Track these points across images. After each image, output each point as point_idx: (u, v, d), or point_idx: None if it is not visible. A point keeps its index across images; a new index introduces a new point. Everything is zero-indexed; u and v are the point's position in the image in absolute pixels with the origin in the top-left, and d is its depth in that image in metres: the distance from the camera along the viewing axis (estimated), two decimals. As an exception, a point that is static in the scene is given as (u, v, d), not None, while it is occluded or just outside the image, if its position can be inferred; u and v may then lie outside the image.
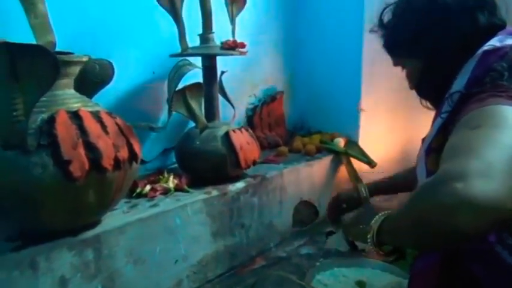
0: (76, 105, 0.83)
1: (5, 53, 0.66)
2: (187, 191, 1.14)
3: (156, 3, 1.14)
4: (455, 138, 0.62)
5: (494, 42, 0.73)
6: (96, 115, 0.83)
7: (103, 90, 1.02)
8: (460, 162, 0.53)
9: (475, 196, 0.47)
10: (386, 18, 0.90)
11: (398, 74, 0.95)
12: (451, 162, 0.55)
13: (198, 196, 1.11)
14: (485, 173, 0.49)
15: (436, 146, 0.75)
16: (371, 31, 0.94)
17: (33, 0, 0.81)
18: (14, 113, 0.69)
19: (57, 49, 0.85)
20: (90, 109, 0.84)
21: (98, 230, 0.89)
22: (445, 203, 0.49)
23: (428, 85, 0.86)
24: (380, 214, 0.71)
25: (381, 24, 0.91)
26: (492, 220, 0.48)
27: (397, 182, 1.19)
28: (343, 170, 1.64)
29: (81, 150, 0.77)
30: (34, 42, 0.81)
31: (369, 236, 0.72)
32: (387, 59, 0.95)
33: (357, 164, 1.63)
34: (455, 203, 0.48)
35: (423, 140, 0.83)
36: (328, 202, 1.28)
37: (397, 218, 0.65)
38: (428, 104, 0.91)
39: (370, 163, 1.63)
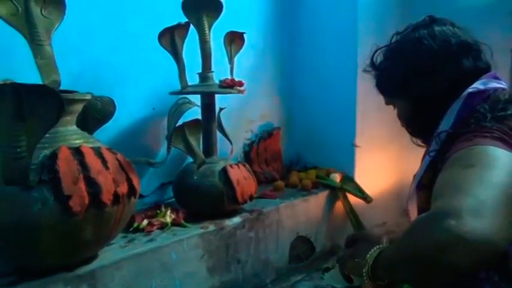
0: (78, 141, 0.86)
1: (12, 93, 0.68)
2: (184, 226, 1.15)
3: (158, 43, 1.19)
4: (447, 175, 0.64)
5: (478, 85, 0.77)
6: (98, 151, 0.86)
7: (104, 126, 1.05)
8: (453, 199, 0.55)
9: (468, 233, 0.49)
10: (378, 59, 0.94)
11: (391, 111, 0.99)
12: (444, 199, 0.56)
13: (195, 231, 1.12)
14: (477, 211, 0.51)
15: (426, 182, 0.78)
16: (364, 71, 0.98)
17: (41, 42, 0.85)
18: (18, 150, 0.71)
19: (61, 87, 0.89)
20: (91, 145, 0.87)
21: (93, 265, 0.89)
22: (439, 239, 0.51)
23: (417, 124, 0.90)
24: (375, 248, 0.73)
25: (373, 65, 0.95)
26: (484, 256, 0.50)
27: None
28: (339, 206, 1.65)
29: (82, 186, 0.78)
30: (40, 81, 0.85)
31: (364, 270, 0.73)
32: (380, 96, 0.99)
33: (353, 199, 1.64)
34: (448, 239, 0.50)
35: (415, 176, 0.85)
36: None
37: (392, 253, 0.66)
38: (419, 141, 0.94)
39: (366, 199, 1.64)
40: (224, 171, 1.22)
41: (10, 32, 0.84)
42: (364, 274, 0.73)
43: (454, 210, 0.52)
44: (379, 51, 0.94)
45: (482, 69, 0.82)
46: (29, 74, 0.82)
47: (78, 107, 0.91)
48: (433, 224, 0.53)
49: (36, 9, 0.86)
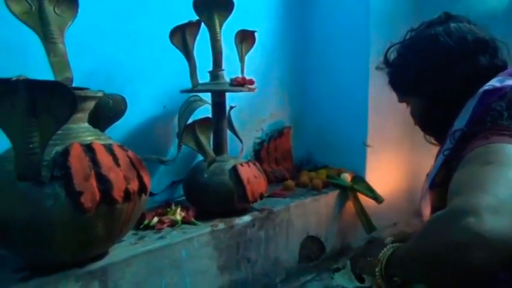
0: (89, 138, 0.86)
1: (26, 89, 0.69)
2: (194, 224, 1.15)
3: (169, 41, 1.19)
4: (464, 173, 0.63)
5: (494, 82, 0.76)
6: (109, 148, 0.86)
7: (116, 124, 1.06)
8: (471, 197, 0.54)
9: (487, 231, 0.48)
10: (392, 56, 0.93)
11: (404, 109, 0.98)
12: (462, 197, 0.55)
13: (205, 229, 1.12)
14: (497, 210, 0.50)
15: (439, 181, 0.76)
16: (377, 68, 0.97)
17: (54, 40, 0.86)
18: (31, 146, 0.72)
19: (73, 85, 0.90)
20: (103, 142, 0.87)
21: (104, 261, 0.89)
22: (457, 237, 0.50)
23: (431, 122, 0.88)
24: (388, 246, 0.72)
25: (386, 62, 0.94)
26: (504, 256, 0.49)
27: None
28: (349, 206, 1.64)
29: (93, 182, 0.79)
30: (52, 78, 0.85)
31: (377, 269, 0.72)
32: (393, 94, 0.98)
33: (364, 199, 1.63)
34: (467, 238, 0.49)
35: (427, 175, 0.84)
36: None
37: (406, 251, 0.65)
38: (432, 140, 0.93)
39: (377, 199, 1.62)
40: (234, 169, 1.22)
41: (24, 30, 0.85)
42: (376, 273, 0.72)
43: (473, 208, 0.51)
44: (392, 47, 0.93)
45: (499, 67, 0.81)
46: (42, 72, 0.83)
47: (90, 104, 0.91)
48: (451, 222, 0.51)
49: (49, 8, 0.87)
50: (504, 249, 0.48)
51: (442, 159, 0.76)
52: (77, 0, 0.91)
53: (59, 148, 0.80)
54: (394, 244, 0.71)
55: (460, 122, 0.76)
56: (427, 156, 0.98)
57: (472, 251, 0.48)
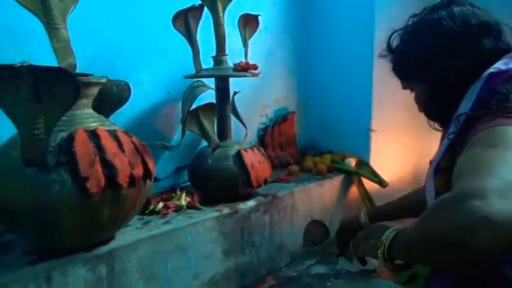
0: (94, 124, 0.87)
1: (29, 75, 0.69)
2: (199, 209, 1.16)
3: (172, 27, 1.19)
4: (469, 156, 0.62)
5: (499, 65, 0.75)
6: (113, 134, 0.86)
7: (120, 110, 1.06)
8: (477, 180, 0.53)
9: (494, 214, 0.48)
10: (394, 43, 0.92)
11: (408, 94, 0.97)
12: (467, 180, 0.55)
13: (210, 214, 1.13)
14: (503, 192, 0.50)
15: (444, 166, 0.76)
16: (380, 56, 0.96)
17: (57, 26, 0.85)
18: (36, 132, 0.72)
19: (77, 71, 0.90)
20: (107, 128, 0.87)
21: (111, 246, 0.91)
22: (463, 220, 0.49)
23: (435, 107, 0.88)
24: (391, 229, 0.72)
25: (389, 48, 0.93)
26: (510, 238, 0.48)
27: (400, 208, 1.15)
28: (354, 190, 1.64)
29: (98, 168, 0.80)
30: (56, 64, 0.86)
31: (379, 252, 0.73)
32: (397, 80, 0.97)
33: (368, 184, 1.63)
34: (474, 221, 0.48)
35: (431, 161, 0.84)
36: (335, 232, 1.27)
37: (410, 234, 0.64)
38: (437, 125, 0.93)
39: (381, 183, 1.63)
40: (238, 155, 1.23)
41: (27, 16, 0.85)
42: (379, 255, 0.73)
43: (479, 191, 0.50)
44: (395, 34, 0.92)
45: (503, 50, 0.80)
46: (45, 57, 0.83)
47: (94, 90, 0.91)
48: (457, 205, 0.51)
49: (51, -7, 0.86)
50: (510, 231, 0.48)
51: (447, 143, 0.76)
52: (79, -15, 0.90)
53: (63, 134, 0.80)
54: (397, 227, 0.72)
55: (465, 106, 0.75)
56: (432, 140, 0.98)
57: (478, 233, 0.48)
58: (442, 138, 0.82)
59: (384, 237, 0.71)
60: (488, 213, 0.48)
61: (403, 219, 1.14)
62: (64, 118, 0.78)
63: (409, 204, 1.11)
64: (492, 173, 0.53)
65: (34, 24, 0.86)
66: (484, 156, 0.58)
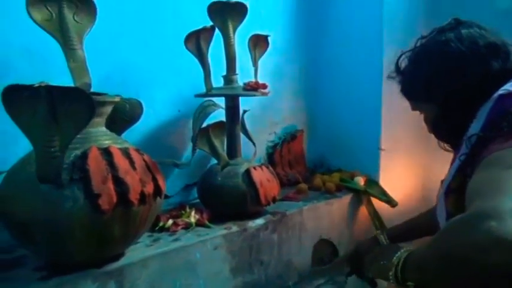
0: (107, 142, 0.89)
1: (46, 96, 0.71)
2: (208, 226, 1.16)
3: (184, 47, 1.21)
4: (484, 176, 0.62)
5: (509, 87, 0.75)
6: (125, 151, 0.88)
7: (132, 127, 1.08)
8: (493, 200, 0.53)
9: (510, 235, 0.47)
10: (403, 64, 0.93)
11: (417, 114, 0.97)
12: (483, 200, 0.55)
13: (219, 232, 1.13)
14: None
15: (455, 187, 0.76)
16: (389, 77, 0.96)
17: (74, 46, 0.88)
18: (51, 149, 0.74)
19: (91, 90, 0.92)
20: (119, 146, 0.89)
21: (121, 262, 0.91)
22: (479, 240, 0.49)
23: (444, 128, 0.88)
24: (402, 250, 0.71)
25: (398, 70, 0.93)
26: None
27: (418, 226, 1.13)
28: (363, 209, 1.63)
29: (110, 185, 0.81)
30: (72, 83, 0.88)
31: (390, 273, 0.72)
32: (405, 100, 0.97)
33: (377, 203, 1.62)
34: (489, 242, 0.48)
35: (442, 181, 0.83)
36: (348, 255, 1.21)
37: (424, 253, 0.63)
38: (447, 146, 0.92)
39: (391, 202, 1.62)
40: (247, 172, 1.23)
41: (45, 37, 0.88)
42: (390, 277, 0.72)
43: (495, 212, 0.50)
44: (403, 55, 0.92)
45: (511, 71, 0.80)
46: (62, 77, 0.86)
47: (108, 109, 0.94)
48: (473, 225, 0.51)
49: (69, 15, 0.90)
50: None
51: (457, 164, 0.76)
52: (95, 7, 0.93)
53: (77, 152, 0.82)
54: (408, 248, 0.71)
55: (475, 127, 0.75)
56: (442, 159, 0.98)
57: (494, 254, 0.47)
58: (453, 160, 0.82)
59: (395, 258, 0.71)
60: (504, 233, 0.48)
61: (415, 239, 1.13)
62: (79, 136, 0.80)
63: (428, 222, 1.08)
64: (508, 194, 0.53)
65: (51, 45, 0.89)
66: (500, 177, 0.58)
